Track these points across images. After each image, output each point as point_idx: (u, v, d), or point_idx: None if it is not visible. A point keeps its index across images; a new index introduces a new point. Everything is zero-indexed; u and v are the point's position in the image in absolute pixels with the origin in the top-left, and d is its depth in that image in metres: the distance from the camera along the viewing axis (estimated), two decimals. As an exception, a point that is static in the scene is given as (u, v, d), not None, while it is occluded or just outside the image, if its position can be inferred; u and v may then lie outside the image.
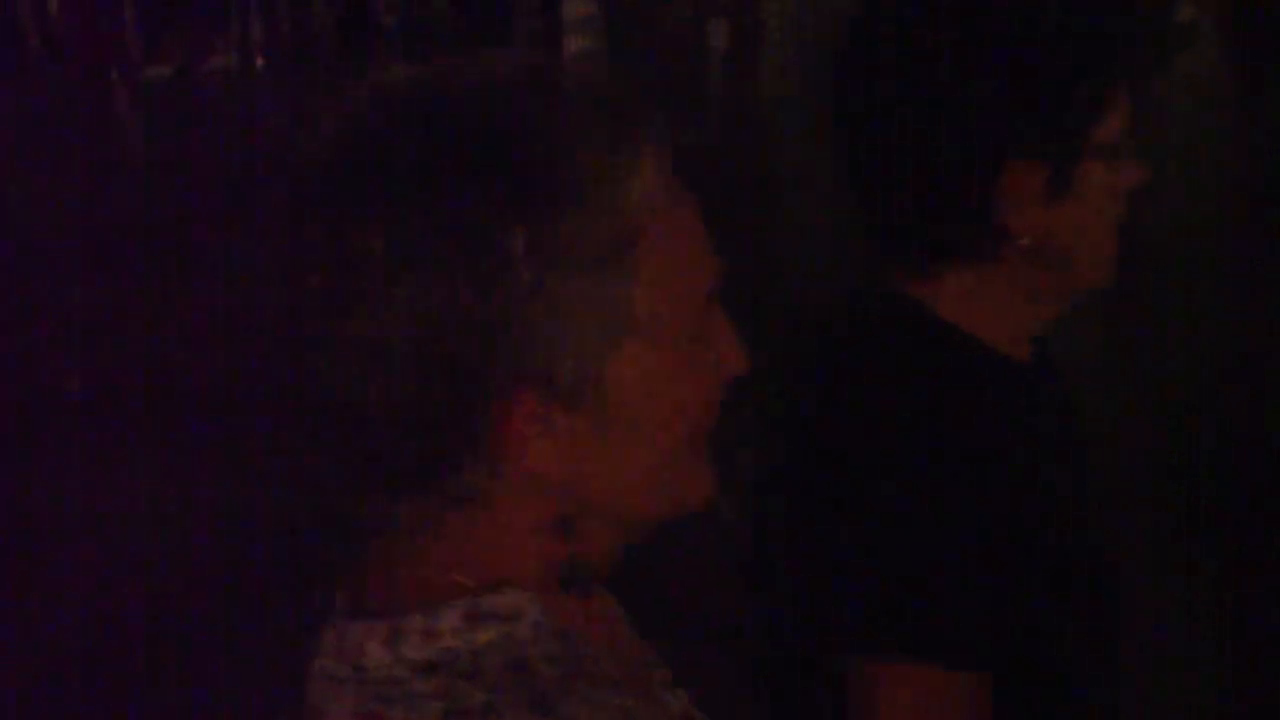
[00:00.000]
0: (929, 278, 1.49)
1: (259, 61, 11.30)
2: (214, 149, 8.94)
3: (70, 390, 5.93)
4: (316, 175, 0.98)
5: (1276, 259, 6.14)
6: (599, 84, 1.00)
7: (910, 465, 1.40)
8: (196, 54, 11.06)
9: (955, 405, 1.45)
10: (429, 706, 0.96)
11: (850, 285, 1.58)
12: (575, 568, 1.04)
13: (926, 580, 1.37)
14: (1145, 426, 4.85)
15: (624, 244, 0.97)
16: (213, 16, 11.26)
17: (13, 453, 5.36)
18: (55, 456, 5.35)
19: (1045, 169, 1.42)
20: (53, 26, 11.20)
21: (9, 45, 10.81)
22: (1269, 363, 5.26)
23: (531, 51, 1.03)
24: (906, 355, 1.48)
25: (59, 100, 10.04)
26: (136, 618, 4.28)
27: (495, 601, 1.00)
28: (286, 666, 1.17)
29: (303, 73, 10.77)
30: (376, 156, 0.96)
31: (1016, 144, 1.41)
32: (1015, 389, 1.51)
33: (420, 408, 0.95)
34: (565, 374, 0.97)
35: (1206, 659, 3.71)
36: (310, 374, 0.97)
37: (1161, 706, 3.22)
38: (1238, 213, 6.96)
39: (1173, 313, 5.79)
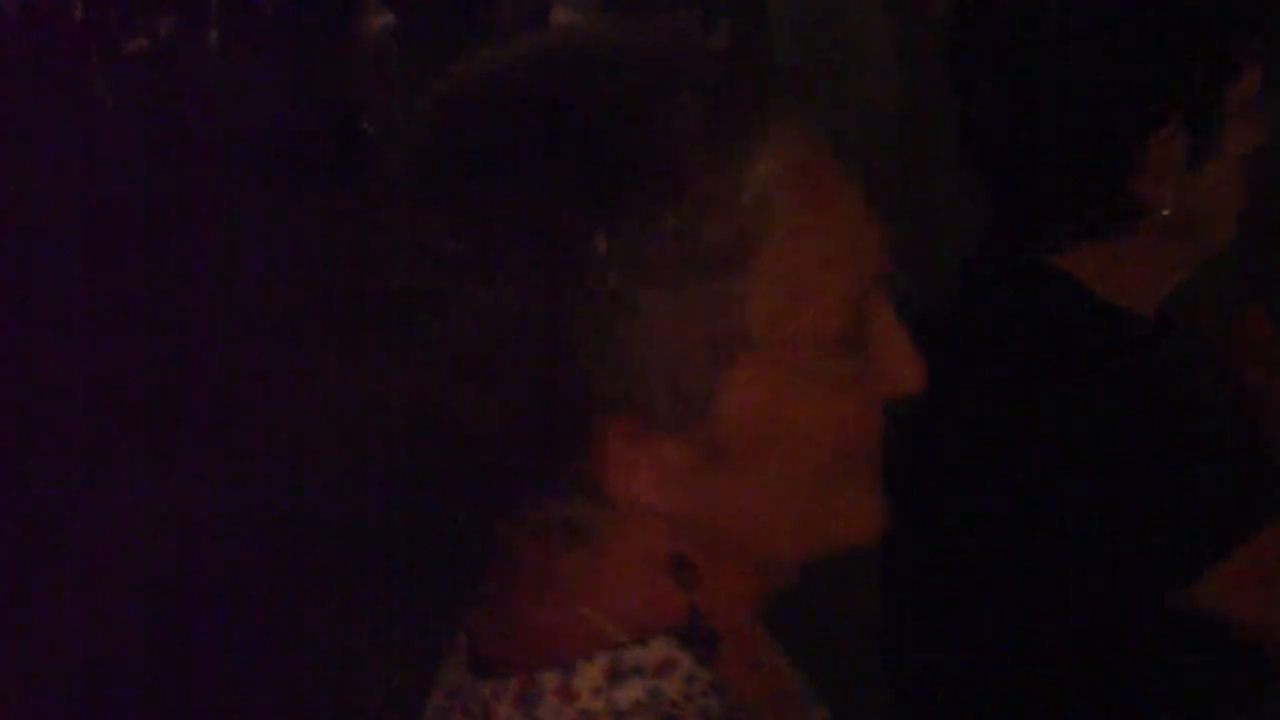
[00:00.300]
0: (1064, 253, 1.46)
1: (213, 34, 11.16)
2: (194, 124, 8.88)
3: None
4: (398, 166, 0.88)
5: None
6: (705, 61, 0.87)
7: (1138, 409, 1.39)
8: (169, 29, 10.94)
9: (1139, 369, 1.43)
10: None
11: (972, 262, 1.52)
12: (697, 617, 0.90)
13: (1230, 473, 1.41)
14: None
15: (736, 247, 0.84)
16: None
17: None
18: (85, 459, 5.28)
19: (1188, 136, 1.39)
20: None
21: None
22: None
23: (624, 24, 0.91)
24: (1080, 327, 1.44)
25: (38, 80, 9.88)
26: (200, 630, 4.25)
27: (641, 655, 0.89)
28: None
29: (271, 44, 10.63)
30: (454, 145, 0.86)
31: (1161, 113, 1.38)
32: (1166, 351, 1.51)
33: (504, 423, 0.85)
34: (661, 396, 0.84)
35: None
36: (400, 380, 0.88)
37: None
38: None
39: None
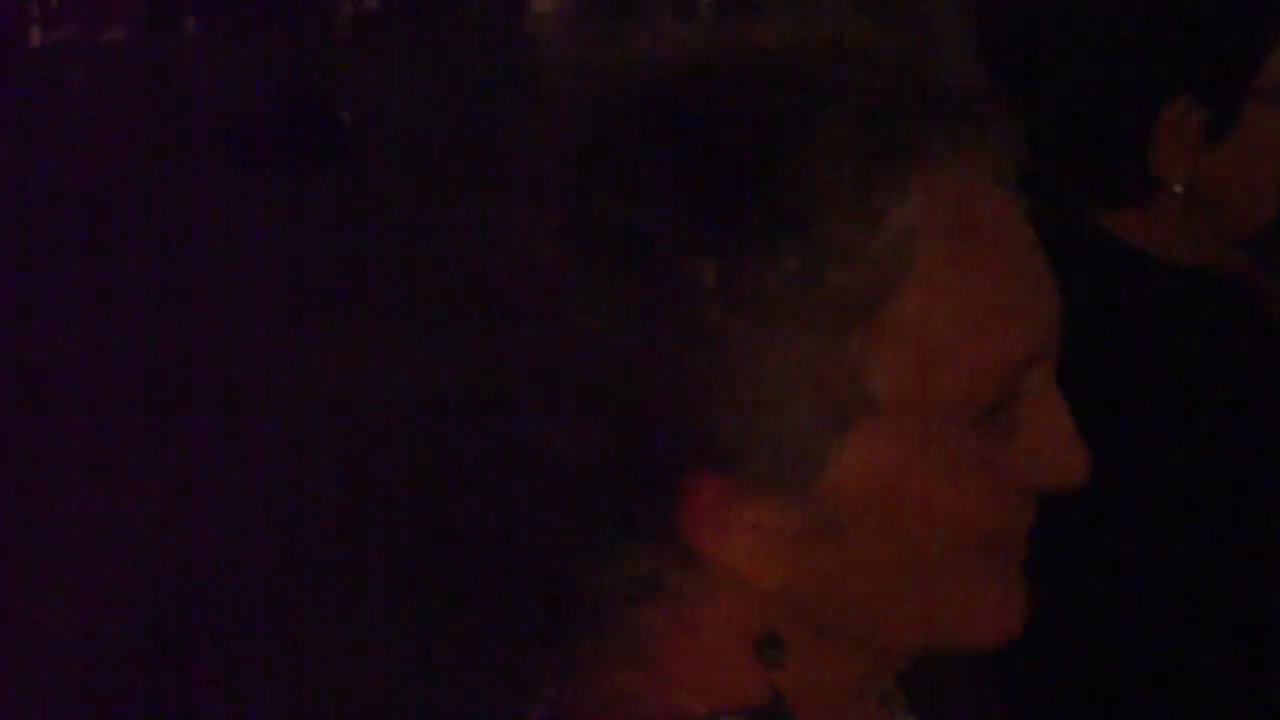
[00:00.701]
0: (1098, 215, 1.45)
1: (189, 21, 11.06)
2: (168, 112, 8.86)
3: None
4: (510, 160, 0.81)
5: None
6: (866, 75, 0.77)
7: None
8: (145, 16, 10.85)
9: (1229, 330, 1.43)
10: None
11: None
12: (779, 701, 0.82)
13: None
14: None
15: (863, 296, 0.73)
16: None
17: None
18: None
19: (1204, 111, 1.36)
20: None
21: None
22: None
23: (785, 23, 0.81)
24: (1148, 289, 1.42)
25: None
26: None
27: None
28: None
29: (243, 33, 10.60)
30: (572, 145, 0.78)
31: (1175, 85, 1.35)
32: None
33: (587, 457, 0.77)
34: (763, 454, 0.75)
35: None
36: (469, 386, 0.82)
37: None
38: None
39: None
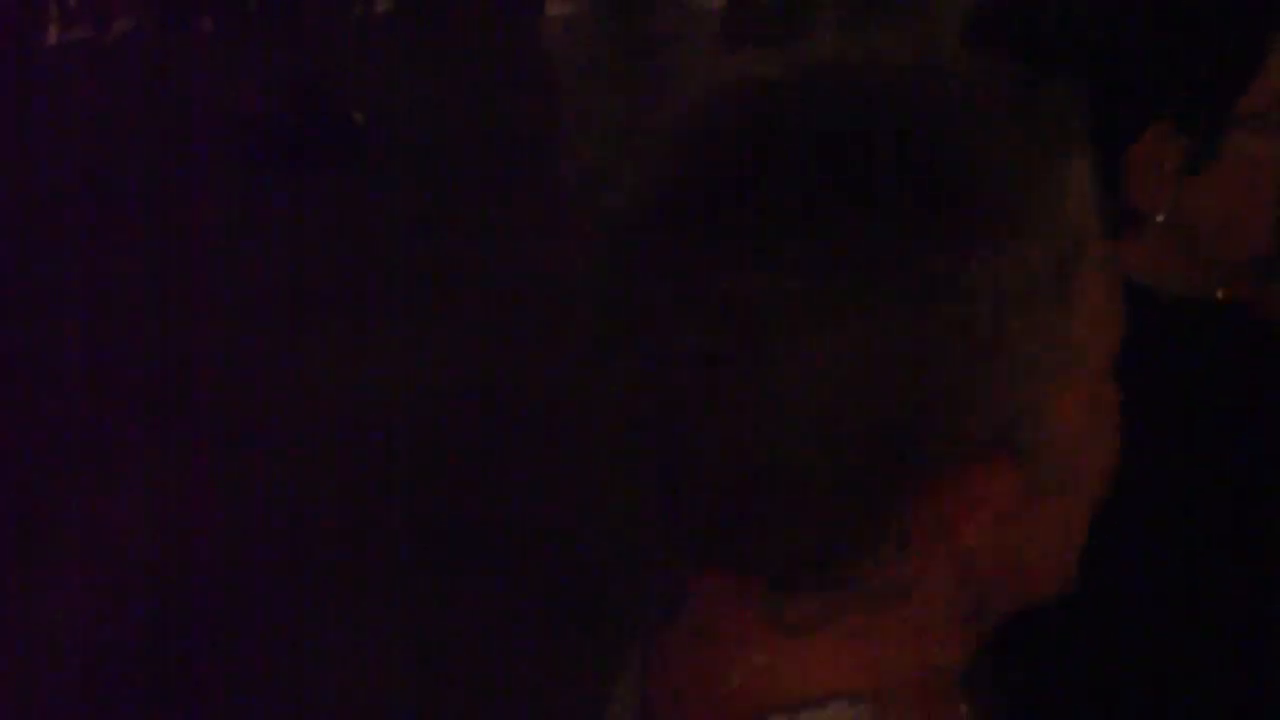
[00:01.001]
0: None
1: (205, 20, 11.04)
2: (181, 111, 8.80)
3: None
4: (678, 197, 0.78)
5: None
6: (1014, 88, 0.82)
7: None
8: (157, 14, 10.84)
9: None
10: None
11: None
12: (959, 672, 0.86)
13: None
14: None
15: (1059, 275, 0.80)
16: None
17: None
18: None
19: (1184, 139, 1.32)
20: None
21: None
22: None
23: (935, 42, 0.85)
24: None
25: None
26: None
27: (818, 716, 0.84)
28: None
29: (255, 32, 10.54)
30: (768, 167, 0.77)
31: (1155, 110, 1.31)
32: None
33: (822, 486, 0.78)
34: (1020, 429, 0.80)
35: None
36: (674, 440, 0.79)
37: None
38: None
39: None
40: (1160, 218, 1.35)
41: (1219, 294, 1.45)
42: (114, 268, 6.85)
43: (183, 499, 4.78)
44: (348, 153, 8.09)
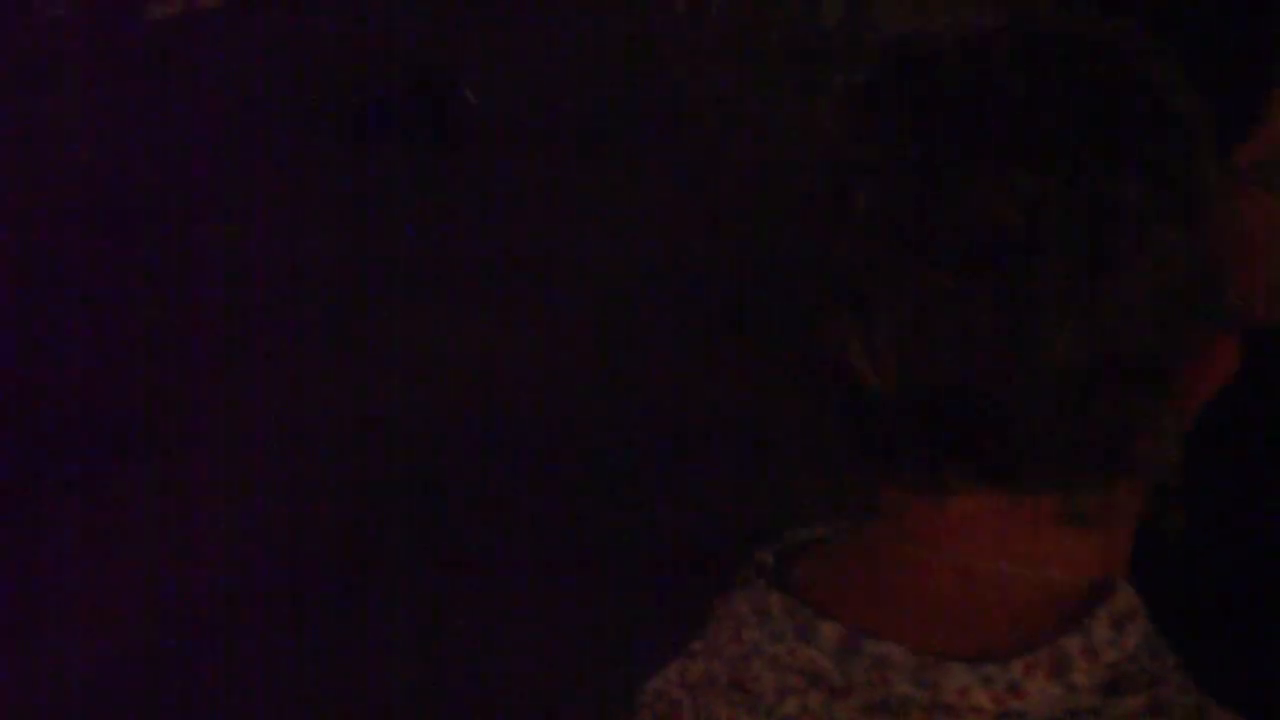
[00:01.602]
0: None
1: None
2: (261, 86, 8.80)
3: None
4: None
5: None
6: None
7: None
8: None
9: None
10: None
11: None
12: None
13: None
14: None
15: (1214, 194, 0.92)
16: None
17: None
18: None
19: None
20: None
21: None
22: None
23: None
24: None
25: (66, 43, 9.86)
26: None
27: (1121, 600, 0.93)
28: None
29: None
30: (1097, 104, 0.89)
31: None
32: None
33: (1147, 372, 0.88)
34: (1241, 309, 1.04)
35: None
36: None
37: None
38: None
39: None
40: None
41: None
42: (236, 245, 6.78)
43: (185, 514, 4.69)
44: (461, 132, 7.92)
